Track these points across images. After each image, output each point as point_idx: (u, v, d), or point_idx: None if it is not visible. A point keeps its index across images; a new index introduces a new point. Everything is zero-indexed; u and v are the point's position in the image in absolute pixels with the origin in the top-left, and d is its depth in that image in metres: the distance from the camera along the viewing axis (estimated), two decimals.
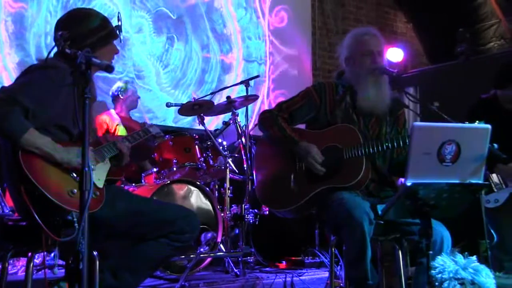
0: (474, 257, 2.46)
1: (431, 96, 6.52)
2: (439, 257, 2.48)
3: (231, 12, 6.90)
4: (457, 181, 2.46)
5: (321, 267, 4.81)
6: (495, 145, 2.60)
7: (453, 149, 2.42)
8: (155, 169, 4.73)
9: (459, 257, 2.46)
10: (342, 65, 3.40)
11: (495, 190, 4.19)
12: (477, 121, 2.92)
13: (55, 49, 2.75)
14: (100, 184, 2.70)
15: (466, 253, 2.51)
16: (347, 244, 3.07)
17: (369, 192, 3.22)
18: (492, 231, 2.69)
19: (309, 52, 7.53)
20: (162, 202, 3.79)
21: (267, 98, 7.06)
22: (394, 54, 7.56)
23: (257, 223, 4.80)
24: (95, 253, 2.65)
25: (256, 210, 4.85)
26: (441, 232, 2.99)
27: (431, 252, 2.54)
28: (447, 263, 2.42)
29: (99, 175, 2.71)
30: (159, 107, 5.98)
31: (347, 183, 3.13)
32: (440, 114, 2.90)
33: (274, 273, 4.46)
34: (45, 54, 2.87)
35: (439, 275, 2.40)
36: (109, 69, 2.36)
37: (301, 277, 4.42)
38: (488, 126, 2.54)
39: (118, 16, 3.02)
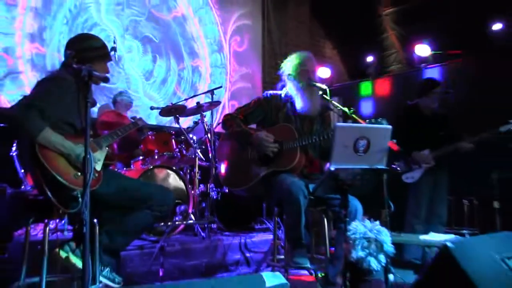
0: (377, 222, 2.50)
1: (350, 103, 6.62)
2: (353, 222, 2.50)
3: (201, 38, 6.85)
4: (368, 166, 2.50)
5: (267, 231, 4.83)
6: (394, 140, 2.63)
7: (365, 143, 2.45)
8: (141, 157, 4.68)
9: (367, 222, 2.49)
10: (285, 79, 3.40)
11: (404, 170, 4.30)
12: (382, 120, 2.94)
13: (64, 63, 2.71)
14: (98, 167, 2.66)
15: (372, 219, 2.54)
16: (287, 213, 3.09)
17: (303, 175, 3.24)
18: (390, 202, 2.72)
19: (260, 70, 7.52)
20: (146, 182, 3.75)
21: (227, 104, 7.03)
22: (323, 72, 7.54)
23: (219, 198, 4.80)
24: (95, 220, 2.63)
25: (219, 189, 4.85)
26: (355, 204, 3.04)
27: (347, 219, 2.57)
28: (358, 226, 2.45)
29: (97, 160, 2.67)
30: (145, 109, 5.90)
31: (286, 167, 3.16)
32: (355, 117, 2.93)
33: (232, 236, 4.46)
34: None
35: (353, 236, 2.43)
36: (106, 80, 2.33)
37: (252, 239, 4.44)
38: (390, 126, 2.56)
39: (114, 40, 2.97)
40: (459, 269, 2.20)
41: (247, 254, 4.31)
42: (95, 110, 5.15)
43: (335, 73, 7.95)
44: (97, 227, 2.63)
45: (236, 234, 4.58)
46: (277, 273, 1.66)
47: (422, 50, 6.32)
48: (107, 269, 2.66)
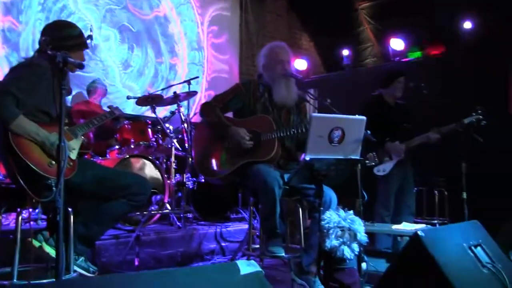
0: (351, 212, 2.51)
1: (326, 95, 6.65)
2: (327, 212, 2.50)
3: (179, 27, 6.77)
4: (342, 157, 2.50)
5: (242, 221, 4.84)
6: (368, 132, 2.64)
7: (340, 134, 2.45)
8: (117, 146, 4.62)
9: (341, 212, 2.48)
10: (260, 70, 3.38)
11: (373, 163, 4.33)
12: (357, 114, 2.97)
13: (39, 49, 2.65)
14: (73, 156, 2.62)
15: (346, 208, 2.55)
16: (262, 203, 3.08)
17: (279, 165, 3.23)
18: (364, 192, 2.75)
19: (237, 61, 7.46)
20: (122, 171, 3.70)
21: (204, 94, 6.99)
22: (300, 64, 7.61)
23: (195, 188, 4.79)
24: (70, 209, 2.58)
25: (195, 179, 4.84)
26: (330, 194, 3.04)
27: (322, 208, 2.57)
28: (332, 216, 2.45)
29: (72, 149, 2.62)
30: (121, 98, 5.81)
31: (263, 158, 3.14)
32: (331, 108, 2.94)
33: (207, 226, 4.46)
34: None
35: (327, 225, 2.44)
36: (81, 66, 2.29)
37: (227, 229, 4.44)
38: (364, 118, 2.57)
39: (90, 28, 2.92)
40: (429, 257, 2.26)
41: (223, 244, 4.32)
42: (69, 98, 5.05)
43: (312, 65, 7.97)
44: (72, 216, 2.59)
45: (212, 223, 4.57)
46: (252, 261, 1.67)
47: (397, 44, 6.40)
48: (82, 258, 2.63)
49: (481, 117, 4.14)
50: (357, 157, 2.55)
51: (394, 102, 4.49)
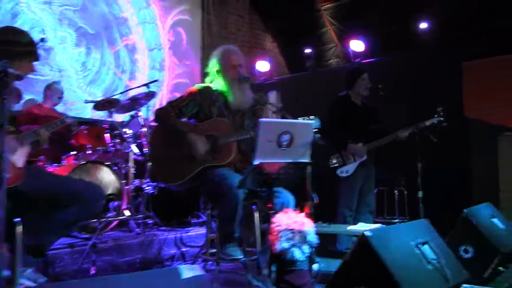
0: (302, 214, 2.57)
1: (289, 96, 6.75)
2: (277, 215, 2.56)
3: (140, 31, 6.77)
4: (291, 160, 2.58)
5: (203, 225, 4.82)
6: (317, 136, 2.71)
7: (288, 138, 2.53)
8: (73, 152, 4.59)
9: (292, 214, 2.55)
10: (214, 74, 3.41)
11: (337, 165, 4.41)
12: (311, 116, 3.03)
13: None
14: (20, 164, 2.61)
15: (299, 210, 2.62)
16: (225, 207, 3.08)
17: (236, 169, 3.26)
18: (314, 194, 2.83)
19: (199, 64, 7.49)
20: (73, 178, 3.67)
21: (165, 98, 6.99)
22: (263, 66, 7.65)
23: (155, 193, 4.79)
24: (18, 219, 2.54)
25: (155, 183, 4.85)
26: (287, 197, 3.09)
27: (273, 211, 2.65)
28: (283, 219, 2.53)
29: (19, 156, 2.61)
30: (79, 103, 5.78)
31: (222, 162, 3.17)
32: (284, 113, 3.00)
33: (167, 231, 4.46)
34: None
35: (277, 228, 2.51)
36: (19, 79, 2.28)
37: (188, 234, 4.44)
38: (312, 121, 2.64)
39: (42, 30, 2.90)
40: (376, 256, 2.36)
41: (183, 249, 4.33)
42: (22, 103, 4.99)
43: (275, 66, 8.06)
44: (20, 226, 2.58)
45: (172, 229, 4.58)
46: (196, 265, 1.73)
47: (357, 45, 6.56)
48: (30, 270, 2.62)
49: (442, 118, 4.30)
50: (306, 160, 2.62)
51: (361, 102, 4.59)
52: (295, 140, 2.56)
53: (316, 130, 2.75)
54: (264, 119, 2.60)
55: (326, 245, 3.64)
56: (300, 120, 2.59)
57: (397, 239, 2.56)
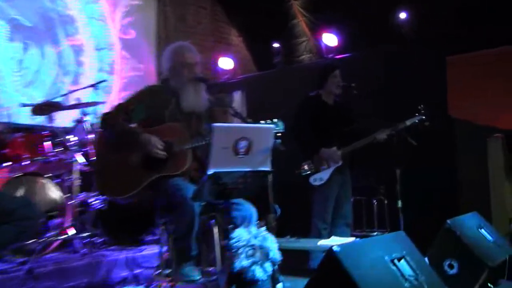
0: (263, 228, 2.60)
1: (256, 97, 6.77)
2: (236, 230, 2.59)
3: (85, 24, 6.69)
4: (249, 169, 2.59)
5: (159, 243, 4.82)
6: (278, 141, 2.74)
7: (246, 144, 2.53)
8: (7, 163, 4.50)
9: (253, 228, 2.58)
10: (166, 74, 3.42)
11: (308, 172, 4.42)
12: (274, 120, 3.06)
13: None
14: None
15: (259, 224, 2.66)
16: (180, 222, 3.09)
17: (191, 178, 3.26)
18: (276, 206, 2.85)
19: (154, 60, 7.43)
20: (4, 193, 3.61)
21: (116, 101, 6.93)
22: (226, 63, 7.64)
23: (105, 208, 4.73)
24: None
25: (104, 197, 4.79)
26: (249, 209, 3.10)
27: (230, 226, 2.67)
28: (242, 234, 2.54)
29: None
30: (14, 106, 5.66)
31: (177, 171, 3.16)
32: (243, 116, 3.02)
33: (118, 251, 4.39)
34: None
35: (236, 244, 2.53)
36: None
37: (142, 253, 4.38)
38: (272, 126, 2.68)
39: None
40: (345, 274, 2.39)
41: (136, 271, 4.29)
42: None
43: (241, 63, 8.08)
44: None
45: (123, 248, 4.52)
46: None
47: (329, 39, 6.64)
48: None
49: (424, 117, 4.37)
50: (267, 169, 2.64)
51: (333, 101, 4.62)
52: (254, 146, 2.57)
53: (280, 134, 2.79)
54: (217, 124, 2.59)
55: (295, 263, 3.65)
56: (259, 124, 2.60)
57: (369, 254, 2.58)
